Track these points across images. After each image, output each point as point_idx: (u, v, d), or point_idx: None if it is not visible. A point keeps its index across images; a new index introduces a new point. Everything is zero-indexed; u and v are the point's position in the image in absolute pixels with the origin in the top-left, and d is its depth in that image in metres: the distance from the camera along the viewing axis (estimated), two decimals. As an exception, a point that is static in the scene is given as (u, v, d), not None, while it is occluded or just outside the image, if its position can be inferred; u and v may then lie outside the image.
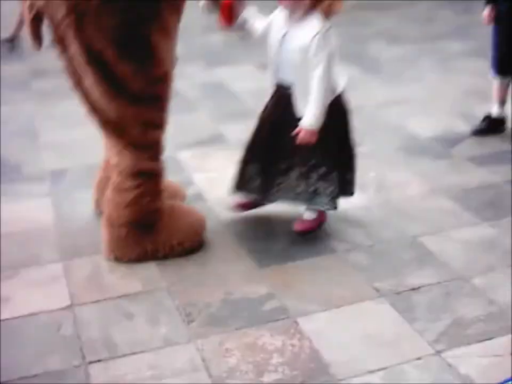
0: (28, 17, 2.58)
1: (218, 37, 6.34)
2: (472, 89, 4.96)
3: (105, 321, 2.48)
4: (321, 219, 3.06)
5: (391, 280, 2.70)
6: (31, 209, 3.35)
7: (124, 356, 2.31)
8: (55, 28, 2.53)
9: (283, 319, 2.48)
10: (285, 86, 2.79)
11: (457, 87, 5.09)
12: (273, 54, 2.77)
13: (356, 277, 2.74)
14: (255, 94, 4.92)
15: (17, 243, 3.04)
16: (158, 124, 2.80)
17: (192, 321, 2.48)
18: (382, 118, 4.50)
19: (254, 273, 2.78)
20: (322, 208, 2.98)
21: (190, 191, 3.44)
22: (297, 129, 2.73)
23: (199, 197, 3.42)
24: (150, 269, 2.81)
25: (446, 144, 4.04)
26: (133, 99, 2.66)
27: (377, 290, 2.64)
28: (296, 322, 2.46)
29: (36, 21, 2.57)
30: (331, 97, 2.75)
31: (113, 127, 2.74)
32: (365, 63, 5.74)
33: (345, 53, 6.02)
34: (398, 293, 2.62)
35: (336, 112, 2.81)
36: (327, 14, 2.65)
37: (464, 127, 4.27)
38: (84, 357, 2.30)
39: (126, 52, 2.57)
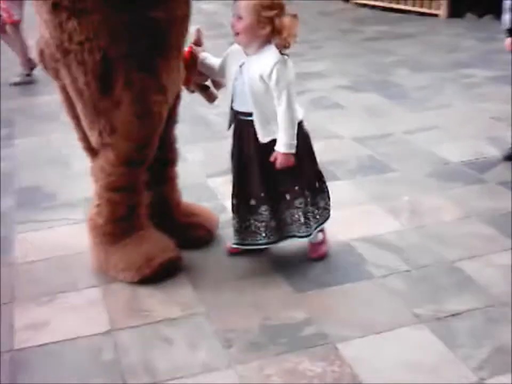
0: (36, 53, 2.80)
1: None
2: (498, 115, 4.96)
3: (145, 346, 2.48)
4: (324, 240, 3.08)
5: (431, 305, 2.68)
6: (67, 235, 3.38)
7: (165, 381, 2.30)
8: (50, 60, 2.72)
9: (322, 344, 2.47)
10: (244, 116, 2.80)
11: (483, 113, 5.09)
12: (231, 85, 2.79)
13: (394, 302, 2.72)
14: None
15: (54, 269, 3.06)
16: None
17: (231, 346, 2.47)
18: (411, 144, 4.50)
19: (291, 298, 2.77)
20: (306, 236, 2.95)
21: (222, 218, 3.45)
22: (273, 156, 2.74)
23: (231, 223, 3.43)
24: (187, 294, 2.81)
25: (477, 169, 4.03)
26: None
27: (416, 316, 2.61)
28: (335, 348, 2.44)
29: (42, 55, 2.76)
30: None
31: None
32: (389, 91, 5.77)
33: (369, 80, 6.11)
34: (438, 319, 2.59)
35: (300, 139, 2.81)
36: (283, 46, 2.68)
37: (494, 152, 4.26)
38: (124, 382, 2.30)
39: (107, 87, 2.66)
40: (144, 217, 3.06)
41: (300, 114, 2.84)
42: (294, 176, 2.84)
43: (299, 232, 2.93)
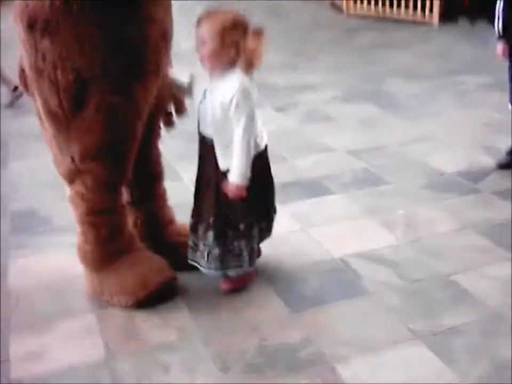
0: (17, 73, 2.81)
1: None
2: (492, 123, 4.97)
3: (142, 373, 2.47)
4: (250, 275, 3.02)
5: (427, 320, 2.68)
6: (62, 260, 3.36)
7: (162, 407, 2.30)
8: (26, 79, 2.74)
9: (320, 364, 2.46)
10: (208, 139, 2.78)
11: (477, 121, 5.10)
12: (197, 108, 2.78)
13: (390, 318, 2.72)
14: (276, 136, 4.96)
15: (49, 295, 3.05)
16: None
17: (228, 370, 2.46)
18: (405, 156, 4.51)
19: (287, 318, 2.77)
20: (244, 268, 2.91)
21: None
22: (224, 185, 2.71)
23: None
24: (183, 317, 2.80)
25: (471, 179, 4.04)
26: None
27: (412, 331, 2.61)
28: (333, 368, 2.43)
29: (22, 75, 2.77)
30: (254, 152, 2.73)
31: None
32: (383, 101, 5.78)
33: (362, 91, 6.11)
34: (435, 334, 2.59)
35: (259, 168, 2.79)
36: (248, 68, 2.67)
37: (488, 161, 4.26)
38: (122, 410, 2.29)
39: (80, 110, 2.65)
40: (133, 238, 3.05)
41: (263, 142, 2.82)
42: (249, 208, 2.81)
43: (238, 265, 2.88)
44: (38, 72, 2.62)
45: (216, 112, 2.65)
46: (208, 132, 2.74)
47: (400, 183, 4.06)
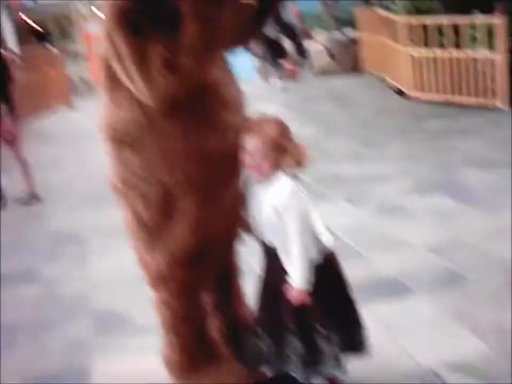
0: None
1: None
2: None
3: None
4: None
5: None
6: (144, 363, 3.36)
7: None
8: (115, 190, 2.83)
9: None
10: (269, 246, 2.77)
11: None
12: (253, 216, 2.77)
13: None
14: (349, 230, 4.94)
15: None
16: None
17: None
18: (486, 251, 4.38)
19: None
20: (329, 373, 2.83)
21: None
22: (287, 291, 2.67)
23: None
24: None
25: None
26: None
27: None
28: None
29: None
30: (318, 256, 2.71)
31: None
32: (457, 192, 5.66)
33: (434, 181, 6.04)
34: None
35: (328, 273, 2.76)
36: (296, 166, 2.67)
37: None
38: None
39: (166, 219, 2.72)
40: (217, 344, 3.04)
41: (326, 245, 2.78)
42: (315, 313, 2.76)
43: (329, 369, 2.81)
44: (125, 183, 2.71)
45: (271, 218, 2.65)
46: (269, 238, 2.74)
47: (484, 282, 3.93)
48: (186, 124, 2.59)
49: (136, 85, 2.51)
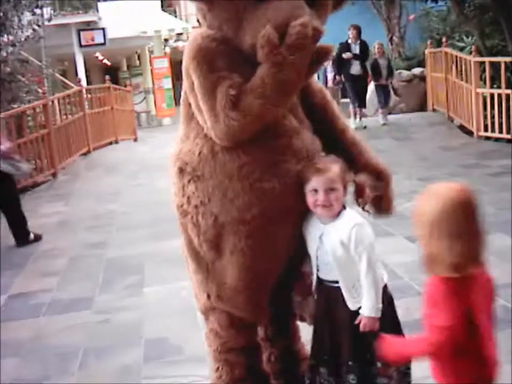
0: None
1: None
2: None
3: None
4: None
5: None
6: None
7: None
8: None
9: None
10: (330, 283, 2.72)
11: None
12: (314, 256, 2.73)
13: None
14: (410, 268, 4.84)
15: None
16: None
17: None
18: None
19: None
20: None
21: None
22: (358, 319, 2.63)
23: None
24: None
25: None
26: None
27: None
28: None
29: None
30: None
31: None
32: (520, 232, 5.51)
33: (499, 221, 5.86)
34: None
35: (384, 303, 2.69)
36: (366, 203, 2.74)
37: None
38: None
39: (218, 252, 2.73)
40: (268, 376, 3.00)
41: (384, 277, 2.76)
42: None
43: None
44: (183, 213, 2.75)
45: (338, 253, 2.63)
46: (331, 276, 2.71)
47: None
48: (249, 164, 2.60)
49: (203, 119, 2.60)
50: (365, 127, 11.82)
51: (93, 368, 3.84)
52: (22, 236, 6.62)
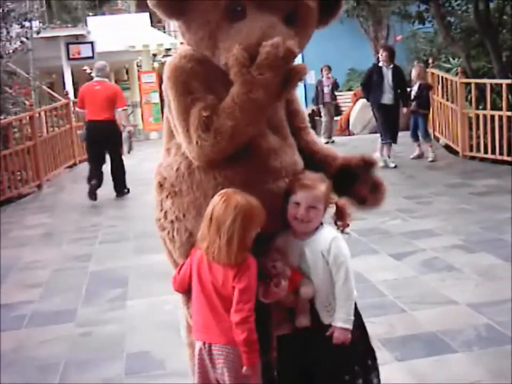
0: None
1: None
2: None
3: None
4: None
5: None
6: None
7: None
8: None
9: None
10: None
11: None
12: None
13: None
14: (394, 285, 4.87)
15: None
16: None
17: None
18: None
19: None
20: None
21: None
22: (330, 331, 2.64)
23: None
24: None
25: None
26: None
27: None
28: None
29: None
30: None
31: None
32: (505, 251, 5.53)
33: (482, 240, 5.91)
34: None
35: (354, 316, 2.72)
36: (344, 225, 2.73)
37: None
38: None
39: None
40: None
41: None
42: (351, 355, 2.72)
43: None
44: (161, 227, 2.76)
45: (318, 265, 2.64)
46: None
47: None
48: (223, 184, 2.58)
49: (180, 138, 2.62)
50: (395, 167, 9.89)
51: (73, 381, 3.80)
52: (122, 188, 9.20)
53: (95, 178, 8.84)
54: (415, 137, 10.53)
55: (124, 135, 9.18)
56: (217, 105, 2.49)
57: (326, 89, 13.57)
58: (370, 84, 9.98)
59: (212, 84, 2.57)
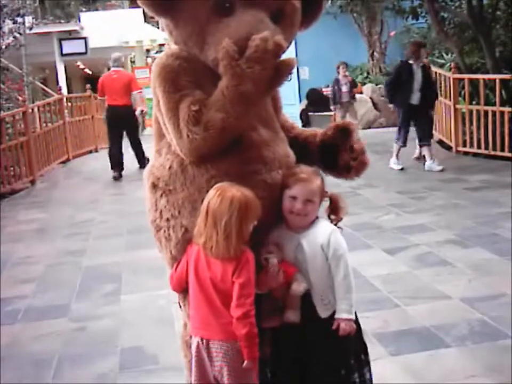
0: None
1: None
2: None
3: None
4: None
5: None
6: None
7: None
8: None
9: None
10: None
11: None
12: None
13: None
14: (388, 280, 4.88)
15: None
16: None
17: None
18: (525, 307, 4.26)
19: None
20: None
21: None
22: (335, 324, 2.65)
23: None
24: None
25: None
26: None
27: None
28: None
29: None
30: None
31: None
32: (498, 246, 5.55)
33: (476, 235, 5.93)
34: None
35: None
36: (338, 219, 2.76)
37: None
38: None
39: None
40: None
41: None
42: (347, 349, 2.73)
43: None
44: (157, 227, 2.75)
45: (317, 258, 2.64)
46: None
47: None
48: (216, 177, 2.58)
49: (170, 136, 2.62)
50: (442, 170, 9.07)
51: (68, 376, 3.80)
52: (143, 159, 10.32)
53: (115, 162, 10.29)
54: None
55: (137, 113, 10.42)
56: (206, 99, 2.51)
57: (344, 88, 12.33)
58: (398, 83, 9.14)
59: (200, 80, 2.59)
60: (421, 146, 9.46)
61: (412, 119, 9.30)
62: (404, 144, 9.39)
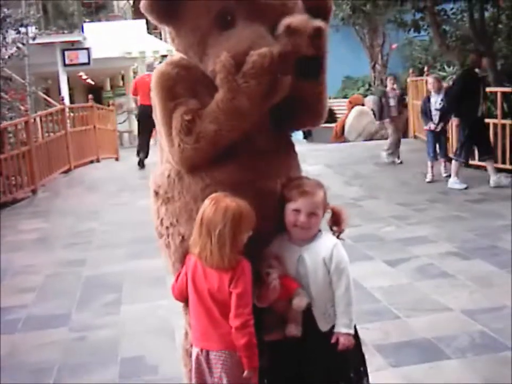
0: None
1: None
2: None
3: None
4: None
5: None
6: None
7: None
8: None
9: None
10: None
11: None
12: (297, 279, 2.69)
13: None
14: (388, 292, 4.87)
15: None
16: None
17: None
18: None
19: None
20: None
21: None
22: (334, 337, 2.63)
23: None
24: None
25: None
26: None
27: None
28: None
29: None
30: None
31: None
32: (499, 259, 5.54)
33: (477, 247, 5.92)
34: None
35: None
36: (339, 231, 2.76)
37: None
38: None
39: None
40: None
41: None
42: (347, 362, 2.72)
43: None
44: (159, 234, 2.79)
45: (319, 272, 2.63)
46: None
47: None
48: (211, 185, 2.59)
49: (164, 144, 2.66)
50: (466, 188, 8.58)
51: (65, 386, 3.80)
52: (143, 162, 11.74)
53: (143, 151, 11.78)
54: (434, 155, 9.38)
55: None
56: (199, 109, 2.54)
57: (392, 102, 11.21)
58: (463, 95, 8.39)
59: (197, 90, 2.61)
60: (484, 160, 8.84)
61: (479, 133, 8.67)
62: (467, 160, 8.79)
